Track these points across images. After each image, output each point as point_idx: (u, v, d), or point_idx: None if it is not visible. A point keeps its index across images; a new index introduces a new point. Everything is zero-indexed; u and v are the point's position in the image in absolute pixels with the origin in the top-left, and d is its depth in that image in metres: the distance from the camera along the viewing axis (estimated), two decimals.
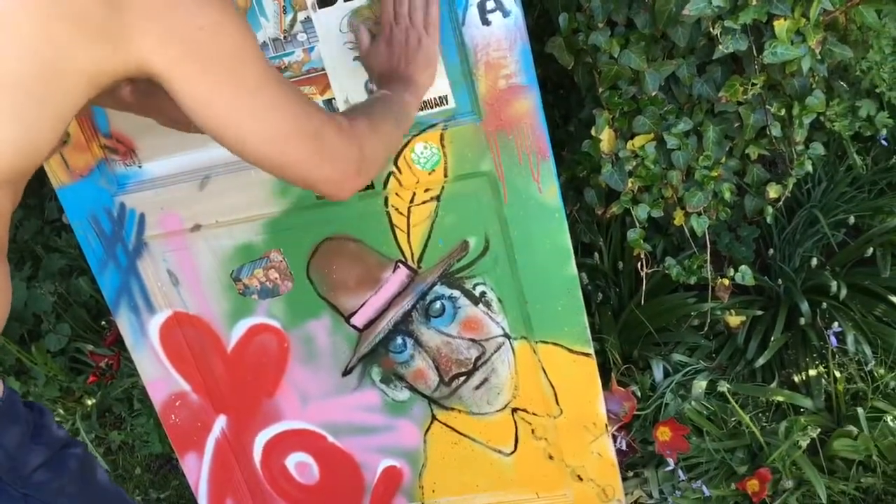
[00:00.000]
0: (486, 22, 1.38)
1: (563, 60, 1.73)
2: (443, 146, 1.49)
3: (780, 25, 1.58)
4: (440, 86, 1.43)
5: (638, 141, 1.76)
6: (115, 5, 0.78)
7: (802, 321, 2.13)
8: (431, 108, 1.46)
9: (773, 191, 1.89)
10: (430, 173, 1.52)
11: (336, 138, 0.97)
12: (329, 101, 1.49)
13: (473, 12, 1.37)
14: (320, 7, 1.40)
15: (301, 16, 1.42)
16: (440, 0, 1.34)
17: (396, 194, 1.56)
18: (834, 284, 2.11)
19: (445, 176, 1.52)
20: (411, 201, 1.57)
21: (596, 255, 2.28)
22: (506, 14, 1.37)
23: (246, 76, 0.88)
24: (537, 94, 1.43)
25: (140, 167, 1.58)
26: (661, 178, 1.80)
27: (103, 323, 2.83)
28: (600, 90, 1.73)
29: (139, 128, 1.52)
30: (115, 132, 1.54)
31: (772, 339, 2.13)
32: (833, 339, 2.05)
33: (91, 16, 0.77)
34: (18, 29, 0.74)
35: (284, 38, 1.44)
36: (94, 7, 0.77)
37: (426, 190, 1.55)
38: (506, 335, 1.69)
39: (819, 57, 1.63)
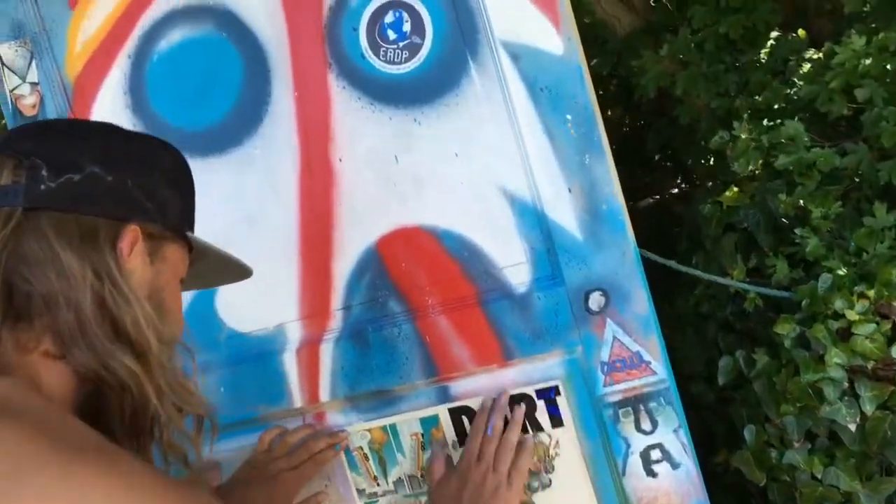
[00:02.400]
0: (651, 473, 1.16)
1: (754, 477, 1.46)
2: None
3: None
4: None
5: None
6: None
7: None
8: None
9: None
10: None
11: None
12: None
13: (636, 461, 1.17)
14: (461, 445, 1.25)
15: None
16: (593, 442, 1.16)
17: None
18: None
19: None
20: None
21: None
22: (675, 466, 1.15)
23: None
24: None
25: None
26: None
27: None
28: None
29: None
30: None
31: None
32: None
33: None
34: None
35: (421, 475, 1.29)
36: None
37: None
38: None
39: None
